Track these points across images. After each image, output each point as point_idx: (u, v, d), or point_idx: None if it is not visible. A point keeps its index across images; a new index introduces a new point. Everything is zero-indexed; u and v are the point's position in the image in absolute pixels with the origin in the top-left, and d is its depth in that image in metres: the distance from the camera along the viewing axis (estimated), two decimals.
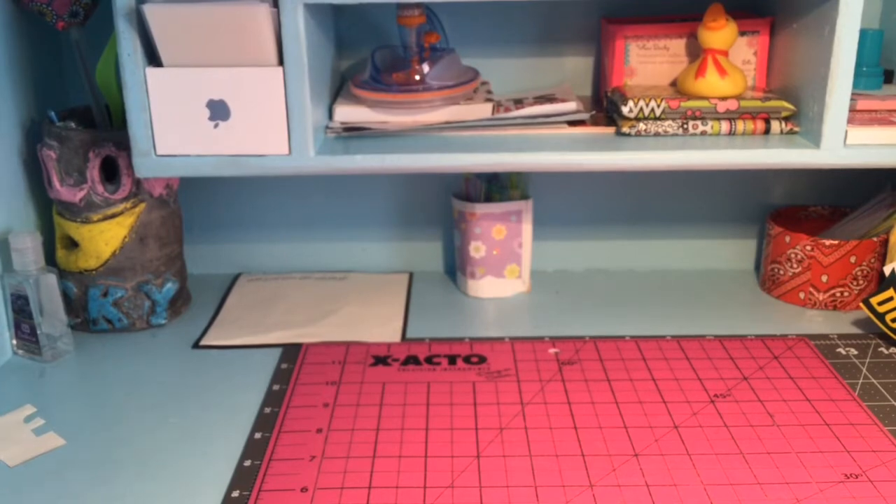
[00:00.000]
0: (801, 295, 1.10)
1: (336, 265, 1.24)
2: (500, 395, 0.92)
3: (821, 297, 1.09)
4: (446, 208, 1.21)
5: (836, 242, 1.06)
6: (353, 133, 0.97)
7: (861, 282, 1.09)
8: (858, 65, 0.93)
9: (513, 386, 0.93)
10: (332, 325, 1.08)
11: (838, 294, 1.09)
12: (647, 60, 1.03)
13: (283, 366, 0.98)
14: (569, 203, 1.21)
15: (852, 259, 1.07)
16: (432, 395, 0.92)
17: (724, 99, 0.95)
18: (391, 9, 1.04)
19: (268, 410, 0.90)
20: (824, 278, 1.08)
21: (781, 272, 1.11)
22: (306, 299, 1.15)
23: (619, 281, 1.20)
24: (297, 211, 1.22)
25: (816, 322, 1.07)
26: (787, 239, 1.09)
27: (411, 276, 1.23)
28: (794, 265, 1.10)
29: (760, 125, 0.96)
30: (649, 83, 1.04)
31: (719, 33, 0.96)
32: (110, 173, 1.03)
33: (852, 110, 0.91)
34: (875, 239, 1.07)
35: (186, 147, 0.90)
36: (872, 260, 1.08)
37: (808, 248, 1.08)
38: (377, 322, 1.08)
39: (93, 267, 1.04)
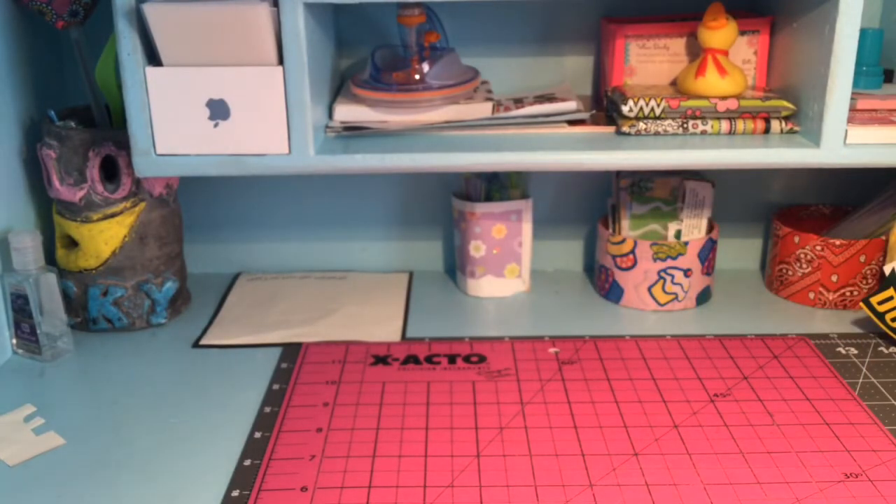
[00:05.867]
0: (811, 295, 1.10)
1: (336, 265, 1.24)
2: (499, 394, 0.92)
3: (831, 296, 1.10)
4: (446, 208, 1.21)
5: (846, 242, 1.07)
6: (353, 132, 0.97)
7: (870, 280, 1.09)
8: (858, 64, 0.93)
9: (513, 385, 0.93)
10: (331, 324, 1.08)
11: (848, 293, 1.09)
12: (647, 60, 1.03)
13: (283, 365, 0.98)
14: (569, 203, 1.21)
15: (862, 258, 1.07)
16: (432, 395, 0.92)
17: (724, 98, 0.95)
18: (391, 8, 1.04)
19: (268, 410, 0.90)
20: (834, 278, 1.08)
21: (790, 272, 1.12)
22: (306, 299, 1.15)
23: None
24: (297, 211, 1.22)
25: (817, 321, 1.07)
26: (797, 239, 1.09)
27: (411, 275, 1.23)
28: (804, 265, 1.10)
29: (760, 124, 0.96)
30: (649, 82, 1.04)
31: (719, 33, 0.96)
32: (110, 173, 1.03)
33: (852, 110, 0.91)
34: (884, 237, 1.07)
35: (186, 146, 0.90)
36: (881, 258, 1.08)
37: (819, 248, 1.08)
38: (377, 321, 1.08)
39: (93, 266, 1.04)
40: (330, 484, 0.78)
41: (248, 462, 0.81)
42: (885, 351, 1.00)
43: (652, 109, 0.95)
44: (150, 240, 1.06)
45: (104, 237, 1.03)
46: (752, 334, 1.04)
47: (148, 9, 0.84)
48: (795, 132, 0.96)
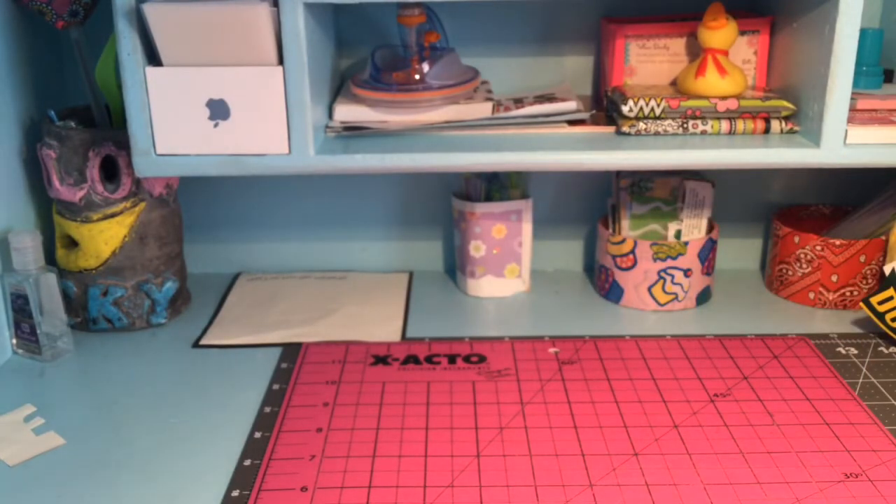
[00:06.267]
0: (811, 295, 1.10)
1: (336, 265, 1.24)
2: (499, 394, 0.92)
3: (831, 296, 1.10)
4: (446, 208, 1.21)
5: (846, 242, 1.07)
6: (353, 132, 0.97)
7: (870, 280, 1.09)
8: (858, 64, 0.93)
9: (513, 385, 0.93)
10: (331, 324, 1.08)
11: (848, 293, 1.09)
12: (647, 60, 1.03)
13: (283, 365, 0.98)
14: (569, 203, 1.21)
15: (862, 258, 1.07)
16: (432, 395, 0.92)
17: (724, 98, 0.95)
18: (391, 8, 1.04)
19: (268, 410, 0.90)
20: (834, 278, 1.08)
21: (790, 272, 1.12)
22: (306, 299, 1.15)
23: None
24: (297, 211, 1.22)
25: (817, 321, 1.07)
26: (797, 239, 1.09)
27: (411, 275, 1.23)
28: (804, 265, 1.10)
29: (760, 124, 0.96)
30: (649, 82, 1.04)
31: (719, 32, 0.96)
32: (110, 172, 1.03)
33: (852, 109, 0.91)
34: (884, 237, 1.07)
35: (186, 146, 0.90)
36: (881, 258, 1.08)
37: (818, 248, 1.08)
38: (377, 321, 1.08)
39: (92, 266, 1.04)
40: (330, 484, 0.78)
41: (248, 462, 0.81)
42: (885, 351, 1.00)
43: (652, 109, 0.95)
44: (150, 240, 1.06)
45: (104, 237, 1.03)
46: (752, 334, 1.04)
47: (148, 9, 0.84)
48: (795, 132, 0.96)
